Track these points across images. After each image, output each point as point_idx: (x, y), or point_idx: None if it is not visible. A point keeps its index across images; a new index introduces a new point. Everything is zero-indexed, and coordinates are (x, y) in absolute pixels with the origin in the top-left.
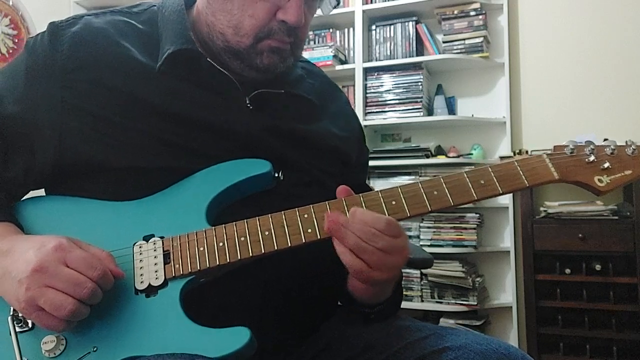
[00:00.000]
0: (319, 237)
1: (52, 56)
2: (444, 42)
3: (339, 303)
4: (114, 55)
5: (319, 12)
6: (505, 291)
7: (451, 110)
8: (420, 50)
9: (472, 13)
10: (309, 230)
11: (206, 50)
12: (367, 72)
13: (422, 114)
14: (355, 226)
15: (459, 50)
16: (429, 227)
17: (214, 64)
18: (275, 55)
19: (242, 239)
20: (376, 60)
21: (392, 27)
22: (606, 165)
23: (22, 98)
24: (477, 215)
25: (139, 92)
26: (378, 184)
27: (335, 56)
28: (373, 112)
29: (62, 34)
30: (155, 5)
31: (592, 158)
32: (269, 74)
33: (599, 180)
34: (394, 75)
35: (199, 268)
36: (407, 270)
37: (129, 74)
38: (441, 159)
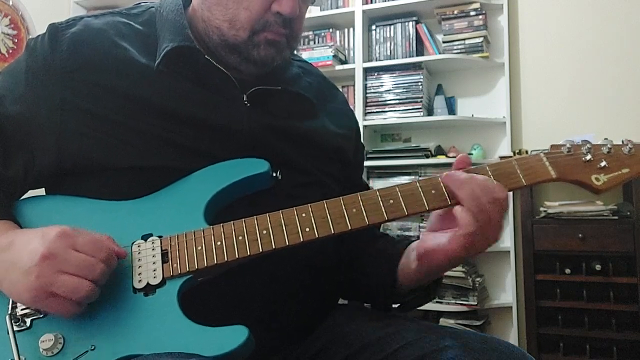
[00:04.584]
0: (317, 235)
1: (52, 57)
2: (444, 42)
3: (342, 301)
4: (113, 56)
5: (319, 10)
6: (505, 291)
7: (451, 110)
8: (420, 50)
9: (472, 13)
10: (307, 229)
11: (204, 48)
12: (367, 72)
13: (422, 114)
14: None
15: (459, 50)
16: None
17: (211, 61)
18: (271, 47)
19: (240, 238)
20: (376, 60)
21: (392, 27)
22: (603, 164)
23: (22, 98)
24: None
25: (138, 91)
26: (378, 184)
27: (335, 56)
28: (373, 112)
29: (61, 35)
30: (153, 7)
31: (588, 157)
32: (266, 67)
33: (596, 179)
34: (394, 75)
35: (197, 267)
36: None
37: (127, 74)
38: (441, 159)
